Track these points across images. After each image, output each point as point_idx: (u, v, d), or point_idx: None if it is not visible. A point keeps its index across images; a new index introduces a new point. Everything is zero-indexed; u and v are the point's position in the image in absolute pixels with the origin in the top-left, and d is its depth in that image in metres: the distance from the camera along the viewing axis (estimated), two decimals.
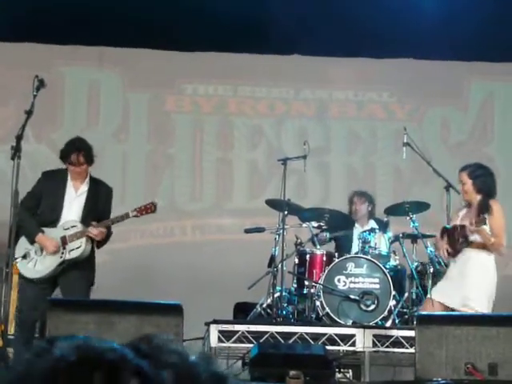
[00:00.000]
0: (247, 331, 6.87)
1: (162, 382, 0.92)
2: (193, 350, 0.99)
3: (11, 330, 6.91)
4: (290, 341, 6.79)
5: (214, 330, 6.85)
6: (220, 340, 6.84)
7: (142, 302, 6.11)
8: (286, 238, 7.49)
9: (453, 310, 6.56)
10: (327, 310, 7.20)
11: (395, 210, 7.74)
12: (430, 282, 7.14)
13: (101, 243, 6.59)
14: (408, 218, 7.50)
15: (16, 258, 6.44)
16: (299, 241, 7.72)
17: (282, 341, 6.79)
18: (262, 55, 9.68)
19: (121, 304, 6.02)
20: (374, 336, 6.89)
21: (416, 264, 7.51)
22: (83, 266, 6.49)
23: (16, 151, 6.23)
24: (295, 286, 7.56)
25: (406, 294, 7.49)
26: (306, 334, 6.87)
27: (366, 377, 6.77)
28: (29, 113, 6.33)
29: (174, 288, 8.31)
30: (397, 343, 6.88)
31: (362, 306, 7.23)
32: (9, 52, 9.51)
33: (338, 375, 6.52)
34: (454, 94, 9.91)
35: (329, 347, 6.61)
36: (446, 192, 7.26)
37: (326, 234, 7.99)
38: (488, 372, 5.70)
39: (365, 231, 7.73)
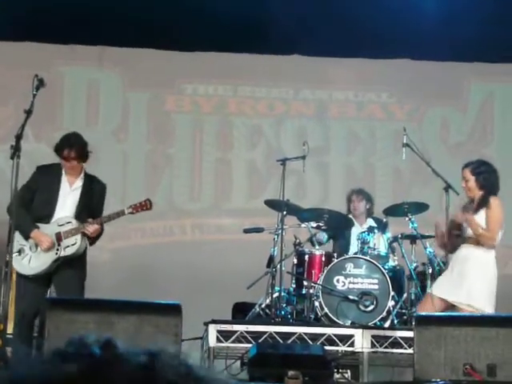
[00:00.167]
0: (246, 331, 6.87)
1: None
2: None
3: (10, 329, 6.91)
4: (289, 341, 6.79)
5: (212, 330, 6.85)
6: (218, 340, 6.84)
7: (141, 302, 6.11)
8: (284, 238, 7.49)
9: (453, 305, 6.55)
10: (326, 310, 7.20)
11: (394, 210, 7.74)
12: (429, 282, 7.15)
13: (94, 240, 6.60)
14: (407, 218, 7.50)
15: (10, 255, 6.43)
16: (298, 241, 7.72)
17: (281, 341, 6.79)
18: (262, 55, 9.68)
19: (120, 304, 6.02)
20: (373, 336, 6.89)
21: (415, 265, 7.52)
22: (76, 264, 6.49)
23: (15, 150, 6.23)
24: (294, 286, 7.56)
25: (405, 295, 7.49)
26: (305, 334, 6.88)
27: (364, 377, 6.77)
28: (28, 112, 6.33)
29: (172, 287, 8.31)
30: (395, 344, 6.88)
31: (361, 307, 7.23)
32: (8, 52, 9.51)
33: (337, 375, 6.53)
34: (453, 94, 9.92)
35: (327, 347, 6.62)
36: (445, 193, 7.26)
37: (324, 236, 8.00)
38: (487, 373, 5.70)
39: (364, 232, 7.74)
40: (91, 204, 6.58)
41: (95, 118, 9.82)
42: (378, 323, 7.19)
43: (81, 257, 6.54)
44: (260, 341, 6.72)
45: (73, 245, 6.45)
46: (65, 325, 5.62)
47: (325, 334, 6.88)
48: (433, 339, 5.76)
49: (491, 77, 9.89)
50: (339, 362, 6.79)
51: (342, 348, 6.86)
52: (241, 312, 7.74)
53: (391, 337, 6.90)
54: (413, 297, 7.42)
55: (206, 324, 6.92)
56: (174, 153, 9.88)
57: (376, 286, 7.29)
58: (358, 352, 6.83)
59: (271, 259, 7.54)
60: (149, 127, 9.90)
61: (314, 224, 7.74)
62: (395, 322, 7.27)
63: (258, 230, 7.92)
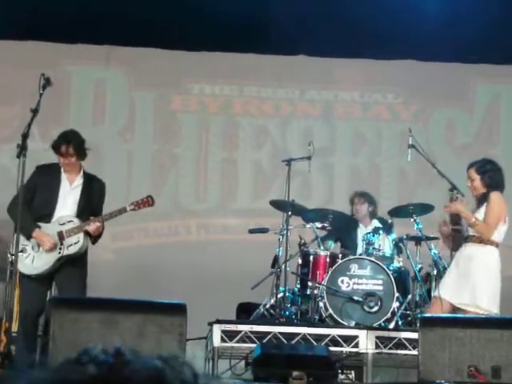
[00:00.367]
0: (250, 331, 6.87)
1: None
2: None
3: (15, 327, 6.92)
4: (293, 341, 6.79)
5: (216, 330, 6.85)
6: (223, 340, 6.84)
7: (145, 301, 6.11)
8: (289, 238, 7.49)
9: (459, 309, 6.54)
10: (330, 311, 7.20)
11: (399, 211, 7.74)
12: (434, 284, 7.14)
13: (96, 239, 6.61)
14: (412, 219, 7.49)
15: (12, 254, 6.44)
16: (303, 241, 7.73)
17: (285, 341, 6.79)
18: (268, 55, 9.68)
19: (125, 303, 6.02)
20: (377, 337, 6.89)
21: (420, 266, 7.51)
22: (78, 263, 6.50)
23: (22, 149, 6.24)
24: (298, 286, 7.57)
25: (410, 296, 7.49)
26: (309, 334, 6.88)
27: (368, 378, 6.77)
28: (35, 111, 6.34)
29: (177, 287, 8.31)
30: (400, 345, 6.88)
31: (366, 308, 7.23)
32: (15, 51, 9.53)
33: (341, 376, 6.52)
34: (459, 96, 9.91)
35: (332, 348, 6.61)
36: (450, 194, 7.25)
37: (331, 243, 7.99)
38: (491, 375, 5.69)
39: (369, 233, 7.74)
40: (91, 203, 6.59)
41: (101, 118, 9.84)
42: (383, 324, 7.18)
43: (82, 256, 6.55)
44: (264, 341, 6.72)
45: (76, 243, 6.45)
46: (69, 324, 5.63)
47: (329, 335, 6.88)
48: (437, 341, 5.76)
49: (497, 78, 9.87)
50: (343, 362, 6.79)
51: (346, 349, 6.85)
52: (245, 312, 7.74)
53: (395, 338, 6.89)
54: (417, 298, 7.42)
55: (211, 324, 6.92)
56: (179, 153, 9.89)
57: (380, 287, 7.28)
58: (363, 353, 6.83)
59: (276, 259, 7.54)
60: (155, 127, 9.91)
61: (318, 224, 7.75)
62: (400, 323, 7.27)
63: (263, 231, 7.93)
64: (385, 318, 7.18)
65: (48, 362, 0.96)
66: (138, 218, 8.74)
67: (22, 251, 6.44)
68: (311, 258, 7.57)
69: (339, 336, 6.88)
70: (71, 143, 6.45)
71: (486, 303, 6.44)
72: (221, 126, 9.95)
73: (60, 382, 0.90)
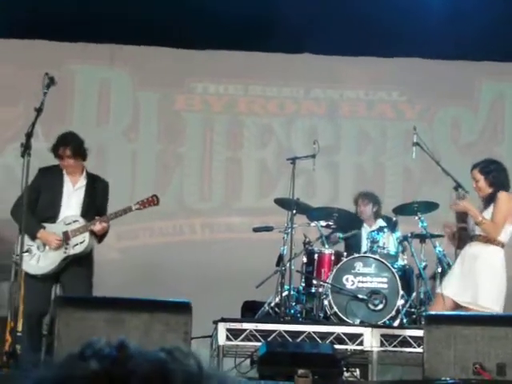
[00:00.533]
0: (255, 330, 6.88)
1: None
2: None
3: (20, 327, 6.93)
4: (298, 340, 6.80)
5: (221, 329, 6.86)
6: (228, 338, 6.84)
7: (151, 300, 6.12)
8: (294, 237, 7.50)
9: (462, 307, 6.54)
10: (335, 309, 7.20)
11: (404, 209, 7.74)
12: (439, 281, 7.14)
13: (101, 238, 6.61)
14: (417, 217, 7.49)
15: (18, 255, 6.45)
16: (308, 240, 7.73)
17: (290, 339, 6.79)
18: (273, 54, 9.68)
19: (130, 302, 6.03)
20: (382, 335, 6.89)
21: (424, 264, 7.51)
22: (84, 262, 6.51)
23: (26, 148, 6.25)
24: (303, 284, 7.57)
25: (414, 294, 7.49)
26: (314, 332, 6.88)
27: (373, 376, 6.77)
28: (39, 110, 6.35)
29: (182, 286, 8.32)
30: (404, 343, 6.88)
31: (370, 306, 7.23)
32: (19, 51, 9.54)
33: (346, 374, 6.53)
34: (464, 94, 9.90)
35: (336, 346, 6.61)
36: (455, 192, 7.25)
37: (338, 235, 7.99)
38: (496, 372, 5.68)
39: (373, 231, 7.74)
40: (96, 203, 6.60)
41: (106, 118, 9.85)
42: (387, 322, 7.18)
43: (88, 255, 6.56)
44: (269, 339, 6.72)
45: (81, 243, 6.46)
46: (75, 323, 5.64)
47: (334, 333, 6.88)
48: (442, 338, 5.76)
49: (502, 76, 9.86)
50: (348, 360, 6.79)
51: (351, 347, 6.86)
52: (250, 310, 7.74)
53: (400, 336, 6.89)
54: (422, 296, 7.42)
55: (216, 322, 6.93)
56: (184, 152, 9.89)
57: (385, 285, 7.28)
58: (367, 351, 6.83)
59: (281, 258, 7.55)
60: (159, 126, 9.92)
61: (323, 223, 7.75)
62: (404, 320, 7.27)
63: (268, 229, 7.93)
64: (389, 315, 7.18)
65: (53, 361, 0.96)
66: (143, 217, 8.75)
67: (27, 251, 6.45)
68: (316, 256, 7.57)
69: (344, 334, 6.89)
70: (68, 145, 6.48)
71: (489, 302, 6.43)
72: (225, 125, 9.96)
73: (63, 379, 0.90)
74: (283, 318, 7.24)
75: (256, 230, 8.15)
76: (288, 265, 7.41)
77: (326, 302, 7.30)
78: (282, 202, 7.93)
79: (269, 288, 7.49)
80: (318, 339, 6.82)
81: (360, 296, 7.23)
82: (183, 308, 5.84)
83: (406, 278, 7.50)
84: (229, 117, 9.98)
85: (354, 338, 6.87)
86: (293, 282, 7.39)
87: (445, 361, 5.71)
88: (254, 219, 9.15)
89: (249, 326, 6.91)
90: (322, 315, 7.34)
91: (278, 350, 6.20)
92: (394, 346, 6.86)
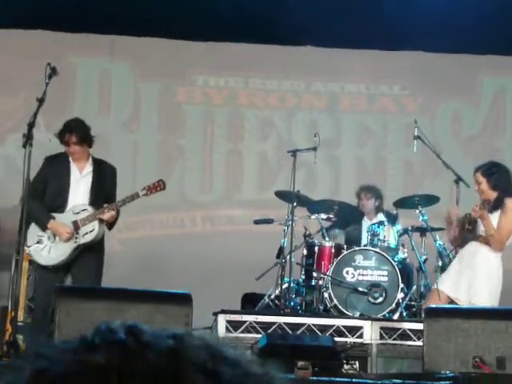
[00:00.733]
0: (255, 322, 6.89)
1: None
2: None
3: (21, 317, 6.94)
4: (298, 332, 6.80)
5: (221, 320, 6.87)
6: (228, 330, 6.85)
7: (151, 291, 6.13)
8: (294, 229, 7.50)
9: (456, 304, 6.55)
10: (335, 301, 7.21)
11: (404, 202, 7.74)
12: (439, 275, 7.15)
13: (111, 225, 6.60)
14: (417, 211, 7.49)
15: (29, 246, 6.46)
16: (308, 232, 7.73)
17: (290, 332, 6.80)
18: (274, 46, 9.66)
19: (131, 292, 6.03)
20: (382, 328, 6.90)
21: (424, 257, 7.52)
22: (95, 250, 6.50)
23: (28, 139, 6.25)
24: (303, 277, 7.57)
25: (414, 287, 7.50)
26: (314, 325, 6.89)
27: (372, 368, 6.78)
28: (41, 100, 6.34)
29: (182, 278, 8.32)
30: (404, 336, 6.89)
31: (370, 299, 7.24)
32: (20, 41, 9.53)
33: (346, 366, 6.53)
34: (466, 87, 9.89)
35: (336, 339, 6.62)
36: (455, 185, 7.25)
37: (336, 231, 7.99)
38: (496, 366, 5.69)
39: (374, 224, 7.74)
40: (104, 189, 6.58)
41: (107, 109, 9.84)
42: (387, 315, 7.19)
43: (98, 243, 6.55)
44: (269, 331, 6.73)
45: (91, 231, 6.45)
46: (75, 313, 5.64)
47: (334, 326, 6.89)
48: (442, 331, 5.76)
49: (504, 70, 9.85)
50: (348, 353, 6.80)
51: (350, 339, 6.87)
52: (250, 302, 7.75)
53: (400, 329, 6.91)
54: (422, 289, 7.43)
55: (216, 314, 6.94)
56: (184, 144, 9.89)
57: (385, 278, 7.29)
58: (367, 343, 6.84)
59: (281, 250, 7.55)
60: (160, 118, 9.91)
61: (324, 215, 7.75)
62: (404, 314, 7.28)
63: (269, 222, 7.93)
64: (389, 308, 7.19)
65: (57, 350, 0.92)
66: (144, 209, 8.76)
67: (38, 242, 6.45)
68: (316, 248, 7.58)
69: (344, 326, 6.90)
70: (74, 132, 6.46)
71: (483, 300, 6.43)
72: (226, 117, 9.95)
73: (68, 373, 0.87)
74: (283, 310, 7.24)
75: (256, 222, 8.15)
76: (288, 257, 7.42)
77: (326, 295, 7.30)
78: (282, 195, 7.93)
79: (269, 280, 7.49)
80: (318, 332, 6.83)
81: (360, 289, 7.24)
82: (184, 299, 5.85)
83: (407, 271, 7.51)
84: (229, 109, 9.97)
85: (353, 330, 6.88)
86: (293, 275, 7.39)
87: (445, 354, 5.71)
88: (255, 212, 9.15)
89: (249, 317, 6.92)
90: (321, 308, 7.34)
91: (278, 342, 6.20)
92: (394, 339, 6.87)
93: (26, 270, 7.11)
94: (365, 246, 7.58)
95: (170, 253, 9.27)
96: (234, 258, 9.06)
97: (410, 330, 6.87)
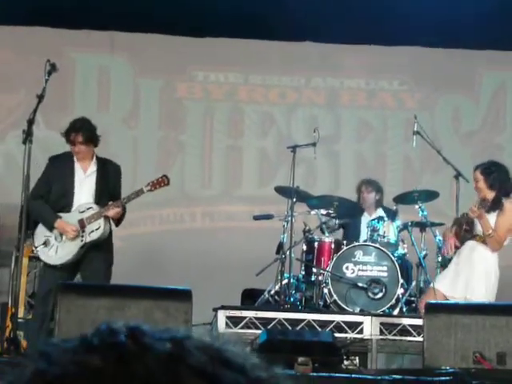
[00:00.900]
0: (255, 317, 6.89)
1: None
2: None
3: (21, 313, 6.94)
4: (298, 328, 6.81)
5: (221, 316, 6.87)
6: (228, 326, 6.86)
7: (152, 287, 6.14)
8: (294, 225, 7.50)
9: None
10: (335, 297, 7.21)
11: (404, 198, 7.74)
12: (439, 270, 7.16)
13: (118, 222, 6.60)
14: (417, 206, 7.49)
15: (37, 247, 6.47)
16: (308, 228, 7.73)
17: (290, 327, 6.81)
18: (273, 42, 9.65)
19: (131, 289, 6.04)
20: (382, 324, 6.91)
21: (424, 253, 7.52)
22: (102, 248, 6.50)
23: (27, 135, 6.25)
24: (303, 273, 7.58)
25: (414, 283, 7.50)
26: (314, 321, 6.89)
27: (372, 364, 6.79)
28: (40, 97, 6.34)
29: (182, 274, 8.33)
30: (404, 331, 6.90)
31: (370, 294, 7.24)
32: (20, 38, 9.51)
33: (346, 362, 6.54)
34: (465, 83, 9.88)
35: (336, 334, 6.63)
36: (455, 181, 7.25)
37: (336, 222, 7.99)
38: (496, 361, 5.70)
39: (374, 219, 7.74)
40: (109, 187, 6.59)
41: (106, 105, 9.83)
42: (387, 311, 7.20)
43: (106, 240, 6.54)
44: (269, 327, 6.73)
45: (97, 229, 6.45)
46: (76, 309, 5.65)
47: (334, 321, 6.90)
48: (442, 327, 5.77)
49: (504, 65, 9.84)
50: (348, 348, 6.80)
51: (350, 335, 6.87)
52: (250, 298, 7.75)
53: (400, 324, 6.91)
54: (422, 285, 7.43)
55: (216, 310, 6.94)
56: (184, 140, 9.88)
57: (385, 274, 7.29)
58: (367, 339, 6.85)
59: (281, 246, 7.55)
60: (160, 114, 9.91)
61: (323, 211, 7.74)
62: (404, 309, 7.28)
63: (268, 217, 7.93)
64: (389, 304, 7.20)
65: (55, 351, 0.91)
66: (144, 205, 8.75)
67: (45, 243, 6.46)
68: (316, 244, 7.58)
69: (344, 322, 6.90)
70: (80, 132, 6.45)
71: (478, 297, 6.43)
72: (226, 113, 9.95)
73: (60, 377, 0.86)
74: (283, 305, 7.25)
75: (256, 218, 8.15)
76: (288, 253, 7.42)
77: (325, 291, 7.31)
78: (282, 190, 7.93)
79: (269, 276, 7.49)
80: (318, 327, 6.83)
81: (360, 284, 7.24)
82: (183, 295, 5.86)
83: (406, 266, 7.51)
84: (229, 105, 9.97)
85: (353, 326, 6.89)
86: (293, 270, 7.40)
87: (445, 349, 5.72)
88: (255, 207, 9.15)
89: (248, 313, 6.92)
90: (321, 303, 7.35)
91: (278, 337, 6.21)
92: (394, 335, 6.88)
93: (26, 266, 7.11)
94: (364, 241, 7.58)
95: (170, 249, 9.28)
96: (234, 253, 9.07)
97: (410, 325, 6.87)
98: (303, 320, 6.89)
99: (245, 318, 6.89)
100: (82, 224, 6.42)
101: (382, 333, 6.87)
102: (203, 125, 9.91)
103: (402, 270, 7.32)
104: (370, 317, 6.93)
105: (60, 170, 6.56)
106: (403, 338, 6.91)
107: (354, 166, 9.77)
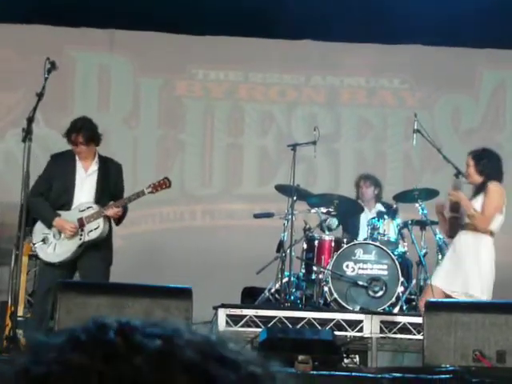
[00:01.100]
0: (255, 316, 6.89)
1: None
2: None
3: (21, 311, 6.94)
4: (298, 326, 6.81)
5: (221, 314, 6.87)
6: (228, 324, 6.86)
7: (152, 286, 6.13)
8: (294, 223, 7.50)
9: (451, 297, 6.56)
10: (335, 295, 7.21)
11: (404, 196, 7.74)
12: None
13: (119, 221, 6.60)
14: (417, 204, 7.49)
15: (35, 244, 6.46)
16: (308, 226, 7.73)
17: (290, 326, 6.81)
18: (274, 40, 9.65)
19: (131, 287, 6.04)
20: (382, 322, 6.90)
21: (424, 251, 7.52)
22: (101, 247, 6.50)
23: (27, 133, 6.24)
24: (303, 271, 7.58)
25: (414, 281, 7.50)
26: (314, 319, 6.89)
27: (373, 362, 6.79)
28: (40, 95, 6.33)
29: (182, 272, 8.33)
30: (404, 329, 6.89)
31: (370, 292, 7.24)
32: (19, 36, 9.51)
33: (346, 360, 6.54)
34: (465, 81, 9.88)
35: (336, 332, 6.62)
36: (455, 179, 7.24)
37: (334, 221, 8.00)
38: (496, 359, 5.70)
39: (374, 217, 7.74)
40: (109, 186, 6.58)
41: (106, 104, 9.83)
42: (387, 309, 7.20)
43: (106, 240, 6.54)
44: (269, 325, 6.74)
45: (96, 229, 6.44)
46: (76, 308, 5.65)
47: (334, 320, 6.90)
48: (442, 325, 5.77)
49: (504, 63, 9.84)
50: (348, 347, 6.81)
51: (350, 333, 6.87)
52: (250, 297, 7.76)
53: (400, 322, 6.91)
54: (422, 283, 7.43)
55: (216, 308, 6.94)
56: (185, 138, 9.88)
57: (385, 272, 7.29)
58: (367, 337, 6.85)
59: (281, 244, 7.55)
60: (160, 112, 9.90)
61: (323, 209, 7.74)
62: (404, 307, 7.28)
63: (268, 216, 7.93)
64: (389, 302, 7.20)
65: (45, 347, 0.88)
66: (145, 204, 8.73)
67: (43, 240, 6.45)
68: (316, 242, 7.58)
69: (344, 320, 6.90)
70: (80, 132, 6.44)
71: (478, 291, 6.43)
72: (226, 111, 9.95)
73: (44, 375, 0.83)
74: (283, 304, 7.25)
75: (256, 216, 8.15)
76: (288, 251, 7.42)
77: (326, 289, 7.31)
78: (282, 189, 7.93)
79: (269, 274, 7.49)
80: (318, 326, 6.83)
81: (360, 283, 7.24)
82: (184, 294, 5.86)
83: (407, 265, 7.51)
84: (229, 103, 9.97)
85: (353, 324, 6.89)
86: (293, 269, 7.40)
87: (445, 348, 5.72)
88: (255, 205, 9.16)
89: (249, 312, 6.92)
90: (322, 302, 7.35)
91: (278, 336, 6.21)
92: (394, 333, 6.88)
93: (25, 264, 7.12)
94: (365, 239, 7.58)
95: (170, 247, 9.28)
96: (234, 251, 9.07)
97: (410, 323, 6.87)
98: (303, 318, 6.89)
99: (245, 316, 6.89)
100: (81, 223, 6.42)
101: (382, 331, 6.87)
102: (203, 123, 9.91)
103: (403, 269, 7.32)
104: (370, 315, 6.93)
105: (61, 167, 6.55)
106: (403, 336, 6.91)
107: (354, 164, 9.77)
